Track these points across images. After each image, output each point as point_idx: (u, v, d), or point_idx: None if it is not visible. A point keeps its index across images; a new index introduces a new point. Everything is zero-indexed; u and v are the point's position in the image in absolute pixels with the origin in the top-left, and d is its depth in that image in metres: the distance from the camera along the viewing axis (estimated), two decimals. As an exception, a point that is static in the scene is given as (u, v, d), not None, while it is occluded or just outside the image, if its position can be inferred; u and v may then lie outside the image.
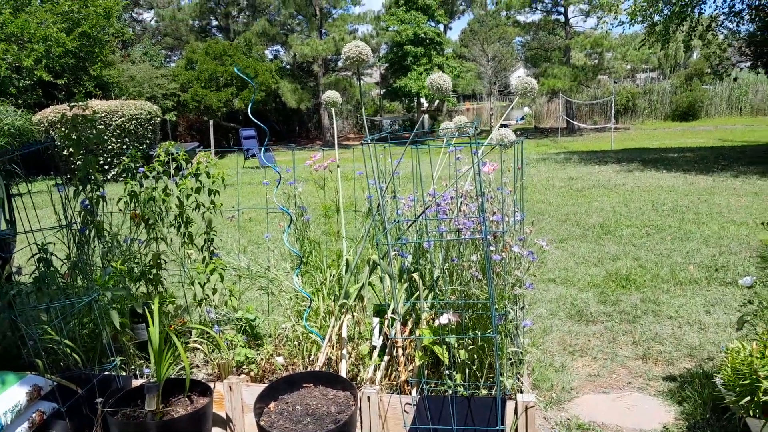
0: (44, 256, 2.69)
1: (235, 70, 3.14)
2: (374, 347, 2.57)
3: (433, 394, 2.35)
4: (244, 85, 23.21)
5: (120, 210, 3.04)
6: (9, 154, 2.98)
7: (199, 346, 2.84)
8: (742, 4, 14.46)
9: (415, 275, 2.52)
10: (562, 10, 26.16)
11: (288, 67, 29.25)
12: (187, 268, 3.07)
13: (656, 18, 14.62)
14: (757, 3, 14.05)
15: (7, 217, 2.95)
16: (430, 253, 2.60)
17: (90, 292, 2.59)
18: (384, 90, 29.61)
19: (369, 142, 2.34)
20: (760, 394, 2.07)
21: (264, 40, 28.58)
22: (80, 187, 2.90)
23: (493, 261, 2.23)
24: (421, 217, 2.58)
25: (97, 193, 2.95)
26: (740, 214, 6.73)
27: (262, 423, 2.19)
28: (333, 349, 2.66)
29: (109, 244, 3.02)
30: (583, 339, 3.55)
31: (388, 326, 2.53)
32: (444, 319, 2.25)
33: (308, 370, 2.65)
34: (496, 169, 2.49)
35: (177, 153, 3.05)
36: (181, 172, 3.04)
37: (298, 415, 2.25)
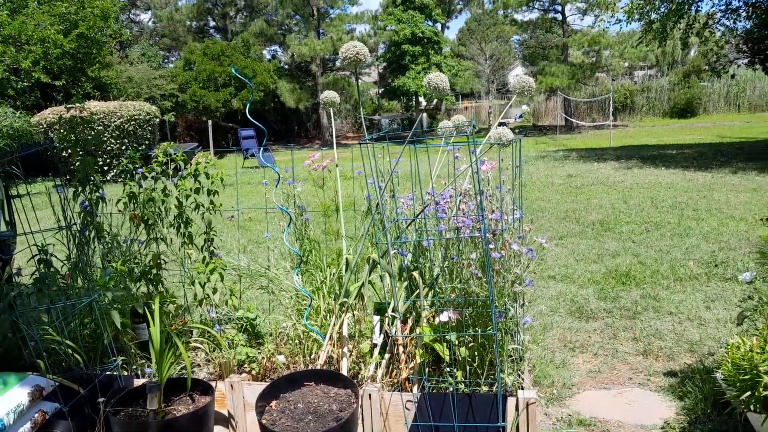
0: (44, 257, 2.69)
1: (233, 70, 3.15)
2: (375, 345, 2.57)
3: (434, 391, 2.35)
4: (242, 86, 23.21)
5: (119, 211, 3.04)
6: (8, 155, 2.97)
7: (200, 346, 2.85)
8: (739, 1, 14.47)
9: (415, 273, 2.53)
10: (559, 8, 26.20)
11: (286, 67, 29.26)
12: (187, 268, 3.07)
13: (653, 15, 14.62)
14: (753, 0, 14.05)
15: (7, 218, 2.95)
16: (429, 251, 2.61)
17: (91, 293, 2.59)
18: (382, 89, 29.66)
19: (367, 141, 2.35)
20: (761, 389, 2.08)
21: (262, 41, 28.60)
22: (79, 189, 2.90)
23: (492, 259, 2.24)
24: (420, 216, 2.59)
25: (97, 194, 2.95)
26: (739, 210, 6.74)
27: (264, 421, 2.19)
28: (334, 347, 2.66)
29: (109, 245, 3.02)
30: (583, 335, 3.56)
31: (388, 324, 2.53)
32: (444, 316, 2.25)
33: (309, 368, 2.65)
34: (495, 168, 2.49)
35: (175, 154, 3.05)
36: (179, 173, 3.04)
37: (299, 413, 2.26)
